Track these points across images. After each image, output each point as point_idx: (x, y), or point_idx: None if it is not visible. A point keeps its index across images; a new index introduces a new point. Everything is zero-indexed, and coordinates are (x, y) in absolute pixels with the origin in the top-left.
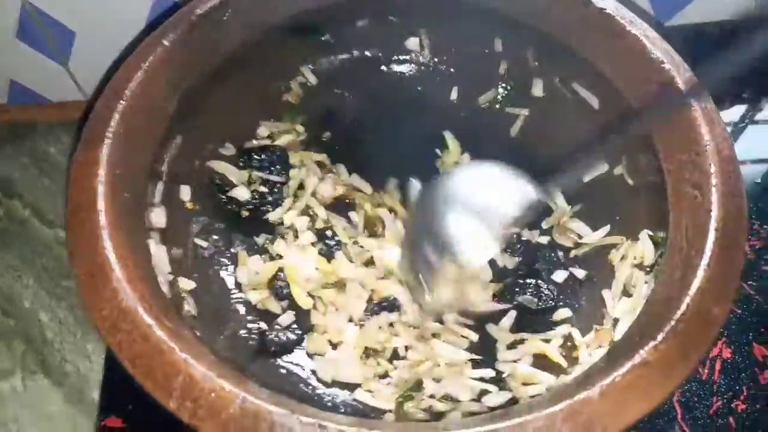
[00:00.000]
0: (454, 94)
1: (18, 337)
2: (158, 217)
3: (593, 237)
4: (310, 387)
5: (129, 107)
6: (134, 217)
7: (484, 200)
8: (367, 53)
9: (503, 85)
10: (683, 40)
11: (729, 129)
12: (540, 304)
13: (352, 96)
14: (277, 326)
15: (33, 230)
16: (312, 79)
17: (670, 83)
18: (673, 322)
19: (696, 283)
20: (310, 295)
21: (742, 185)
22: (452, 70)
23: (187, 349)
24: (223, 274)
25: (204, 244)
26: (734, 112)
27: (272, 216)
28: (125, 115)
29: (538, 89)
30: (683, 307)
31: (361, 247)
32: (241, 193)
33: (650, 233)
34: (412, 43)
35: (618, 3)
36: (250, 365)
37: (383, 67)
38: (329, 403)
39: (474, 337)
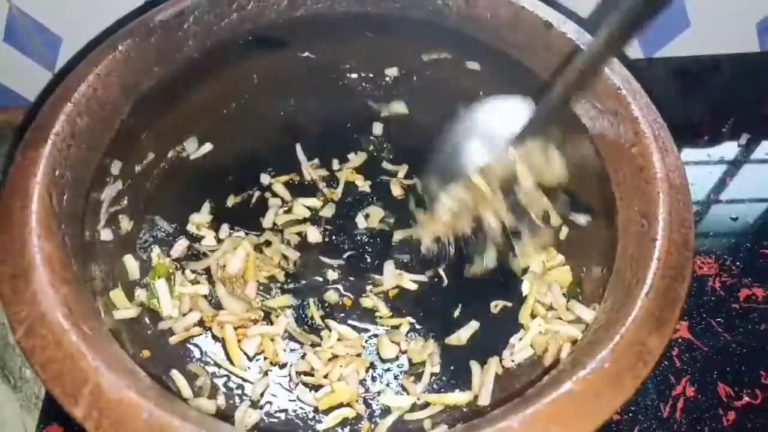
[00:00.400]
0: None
1: None
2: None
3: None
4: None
5: (76, 110)
6: (72, 218)
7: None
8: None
9: None
10: (668, 73)
11: (729, 168)
12: None
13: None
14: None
15: None
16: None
17: (625, 110)
18: (604, 353)
19: (633, 313)
20: None
21: (690, 216)
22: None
23: (100, 357)
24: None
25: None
26: (729, 151)
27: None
28: (71, 117)
29: None
30: (617, 337)
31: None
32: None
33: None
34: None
35: (579, 27)
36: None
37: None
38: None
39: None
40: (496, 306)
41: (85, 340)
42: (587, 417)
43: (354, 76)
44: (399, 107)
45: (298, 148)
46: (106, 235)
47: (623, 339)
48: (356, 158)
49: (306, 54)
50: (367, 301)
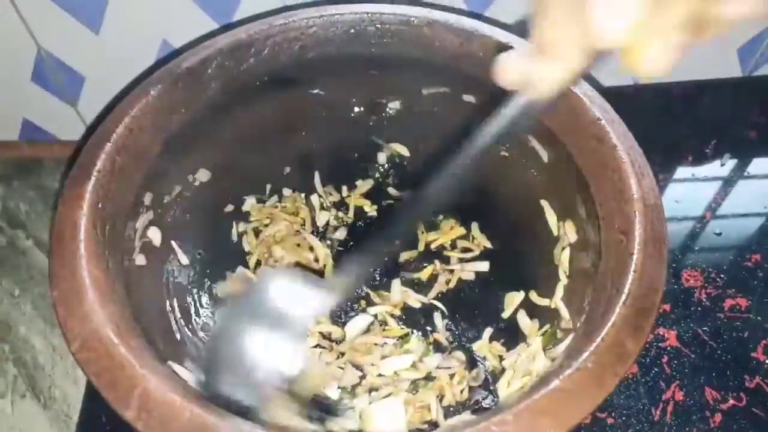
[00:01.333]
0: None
1: (11, 361)
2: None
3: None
4: None
5: (115, 149)
6: (114, 246)
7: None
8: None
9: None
10: (652, 97)
11: (712, 187)
12: None
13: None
14: None
15: (33, 259)
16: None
17: (604, 138)
18: (587, 354)
19: (612, 319)
20: None
21: (665, 232)
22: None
23: (146, 366)
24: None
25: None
26: (713, 171)
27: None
28: (110, 156)
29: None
30: (598, 340)
31: None
32: None
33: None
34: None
35: None
36: None
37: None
38: None
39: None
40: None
41: (132, 351)
42: (573, 410)
43: (359, 109)
44: (400, 148)
45: (317, 176)
46: (140, 260)
47: (603, 342)
48: (363, 184)
49: (316, 90)
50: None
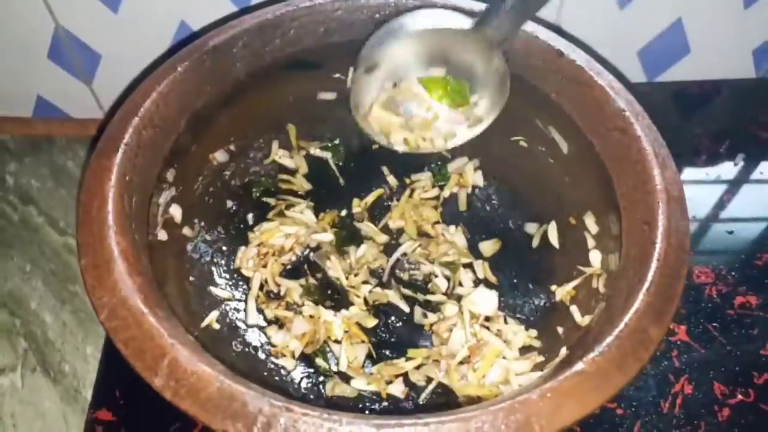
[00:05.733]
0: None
1: (22, 336)
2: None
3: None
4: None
5: (141, 123)
6: (139, 219)
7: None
8: None
9: None
10: (668, 96)
11: (725, 186)
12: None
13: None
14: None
15: (45, 236)
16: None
17: (629, 129)
18: (610, 338)
19: (635, 305)
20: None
21: (687, 223)
22: None
23: (174, 335)
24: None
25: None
26: (726, 171)
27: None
28: (138, 129)
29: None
30: (621, 325)
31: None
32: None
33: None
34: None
35: (588, 56)
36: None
37: None
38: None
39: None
40: None
41: (160, 321)
42: (596, 393)
43: None
44: None
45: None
46: (162, 235)
47: (627, 327)
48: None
49: (337, 75)
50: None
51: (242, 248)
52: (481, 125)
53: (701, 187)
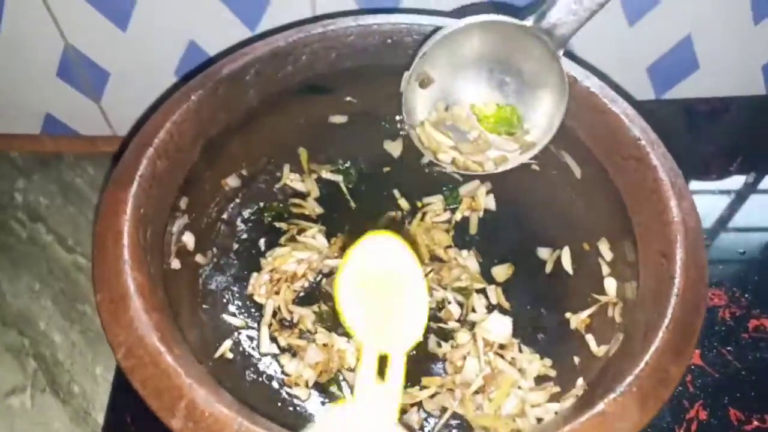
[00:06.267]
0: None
1: (31, 356)
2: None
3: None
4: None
5: (156, 154)
6: (154, 250)
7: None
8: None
9: None
10: (677, 113)
11: (731, 197)
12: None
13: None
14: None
15: (54, 254)
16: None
17: (644, 158)
18: (631, 378)
19: (656, 343)
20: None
21: (704, 255)
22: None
23: (191, 375)
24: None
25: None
26: (736, 181)
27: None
28: (152, 161)
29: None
30: (642, 364)
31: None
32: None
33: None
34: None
35: (602, 83)
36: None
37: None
38: None
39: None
40: None
41: (177, 360)
42: None
43: (391, 117)
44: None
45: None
46: (175, 264)
47: (648, 366)
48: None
49: (348, 98)
50: None
51: (255, 274)
52: (534, 149)
53: (712, 206)
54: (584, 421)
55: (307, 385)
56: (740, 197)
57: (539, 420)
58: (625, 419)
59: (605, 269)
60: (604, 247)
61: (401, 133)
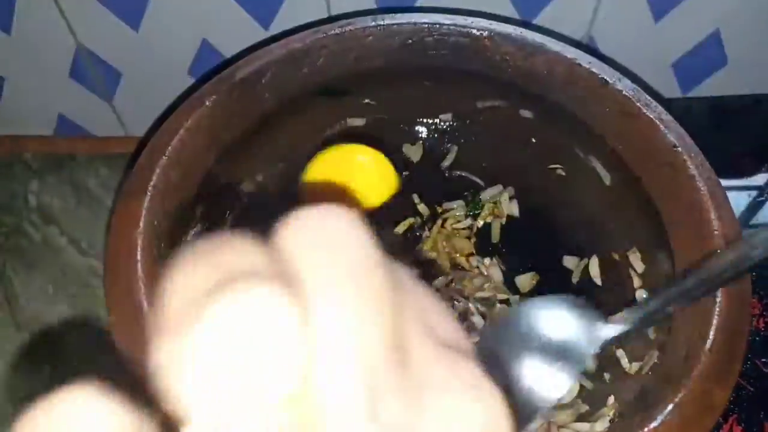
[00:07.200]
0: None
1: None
2: None
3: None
4: None
5: (169, 162)
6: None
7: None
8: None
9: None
10: (706, 110)
11: (754, 193)
12: None
13: None
14: None
15: (67, 257)
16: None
17: (681, 167)
18: (671, 405)
19: (699, 367)
20: None
21: (746, 270)
22: (473, 138)
23: None
24: None
25: None
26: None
27: None
28: (165, 170)
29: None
30: (684, 390)
31: None
32: None
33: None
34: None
35: (635, 86)
36: None
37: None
38: None
39: None
40: None
41: None
42: None
43: (409, 119)
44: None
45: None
46: None
47: (690, 392)
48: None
49: (366, 101)
50: None
51: None
52: None
53: (744, 209)
54: None
55: None
56: None
57: None
58: None
59: (636, 281)
60: (635, 258)
61: (420, 137)
